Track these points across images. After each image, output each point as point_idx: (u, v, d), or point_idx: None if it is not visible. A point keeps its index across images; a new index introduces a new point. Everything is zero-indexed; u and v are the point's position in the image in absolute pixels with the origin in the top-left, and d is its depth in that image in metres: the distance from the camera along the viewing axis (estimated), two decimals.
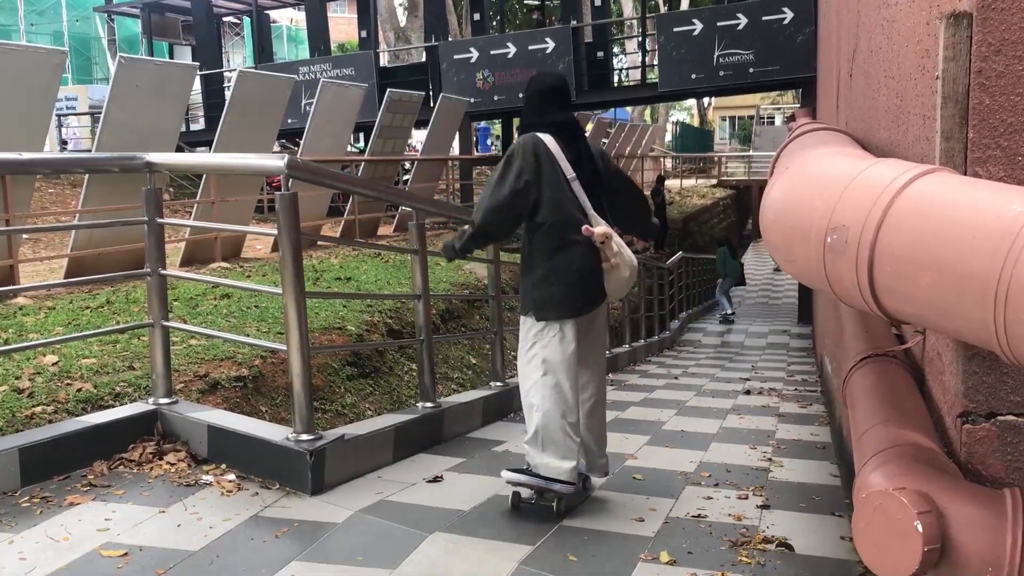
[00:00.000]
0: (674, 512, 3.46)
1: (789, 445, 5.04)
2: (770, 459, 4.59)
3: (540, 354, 3.38)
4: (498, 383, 5.66)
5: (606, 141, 25.39)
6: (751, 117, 54.30)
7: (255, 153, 8.97)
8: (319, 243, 12.16)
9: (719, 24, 14.43)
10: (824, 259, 1.03)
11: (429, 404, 4.56)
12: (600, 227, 3.34)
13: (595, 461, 3.61)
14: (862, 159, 1.11)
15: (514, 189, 3.34)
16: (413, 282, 4.62)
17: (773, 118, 50.78)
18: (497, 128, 32.52)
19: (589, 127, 23.47)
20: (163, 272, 3.95)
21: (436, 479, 3.78)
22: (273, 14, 27.15)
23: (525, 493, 3.41)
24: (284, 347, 3.49)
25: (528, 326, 3.47)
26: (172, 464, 3.62)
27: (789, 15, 14.08)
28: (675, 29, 14.83)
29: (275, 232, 3.44)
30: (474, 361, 8.38)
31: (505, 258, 10.19)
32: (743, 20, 14.34)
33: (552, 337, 3.37)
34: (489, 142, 32.31)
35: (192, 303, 7.01)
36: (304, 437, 3.46)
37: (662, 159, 35.78)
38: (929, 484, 1.02)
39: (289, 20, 34.78)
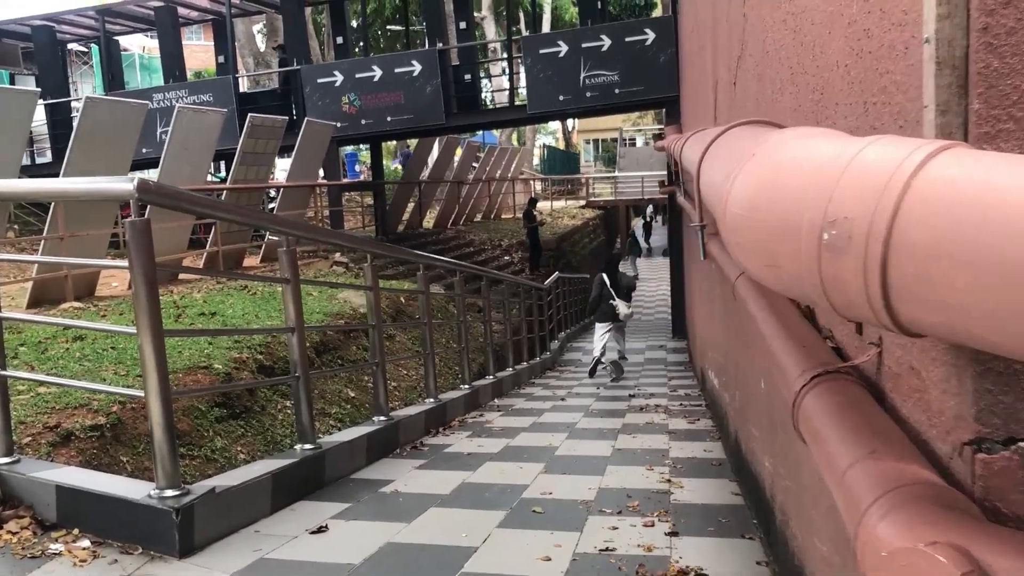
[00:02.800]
0: (580, 547, 3.24)
1: (685, 464, 4.93)
2: (669, 480, 4.45)
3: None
4: (382, 417, 5.34)
5: (475, 164, 25.36)
6: (614, 139, 55.62)
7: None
8: (181, 277, 11.49)
9: (584, 46, 14.57)
10: (819, 260, 0.82)
11: (308, 446, 4.21)
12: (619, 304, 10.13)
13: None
14: (849, 138, 0.92)
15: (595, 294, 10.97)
16: (285, 314, 4.26)
17: (635, 139, 52.14)
18: (365, 154, 32.02)
19: (459, 151, 23.40)
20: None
21: (320, 529, 3.44)
22: (123, 41, 25.88)
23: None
24: (141, 392, 3.09)
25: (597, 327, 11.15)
26: (14, 533, 3.15)
27: (651, 36, 14.37)
28: (541, 51, 14.89)
29: (122, 264, 3.05)
30: (352, 394, 7.99)
31: (384, 284, 9.86)
32: (607, 42, 14.54)
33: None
34: (358, 168, 31.72)
35: (40, 347, 6.38)
36: (169, 493, 3.06)
37: (532, 181, 36.10)
38: (961, 534, 0.83)
39: (141, 48, 33.29)
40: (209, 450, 5.87)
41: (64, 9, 18.60)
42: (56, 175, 13.46)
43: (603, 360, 11.03)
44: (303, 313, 4.32)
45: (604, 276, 11.44)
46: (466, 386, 7.72)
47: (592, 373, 10.97)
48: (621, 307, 11.03)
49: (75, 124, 9.64)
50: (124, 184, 2.94)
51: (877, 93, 1.41)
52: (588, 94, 14.65)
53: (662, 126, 43.09)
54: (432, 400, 6.52)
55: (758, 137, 1.18)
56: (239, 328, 6.66)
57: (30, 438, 4.52)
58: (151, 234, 3.01)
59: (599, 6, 15.64)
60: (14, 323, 7.32)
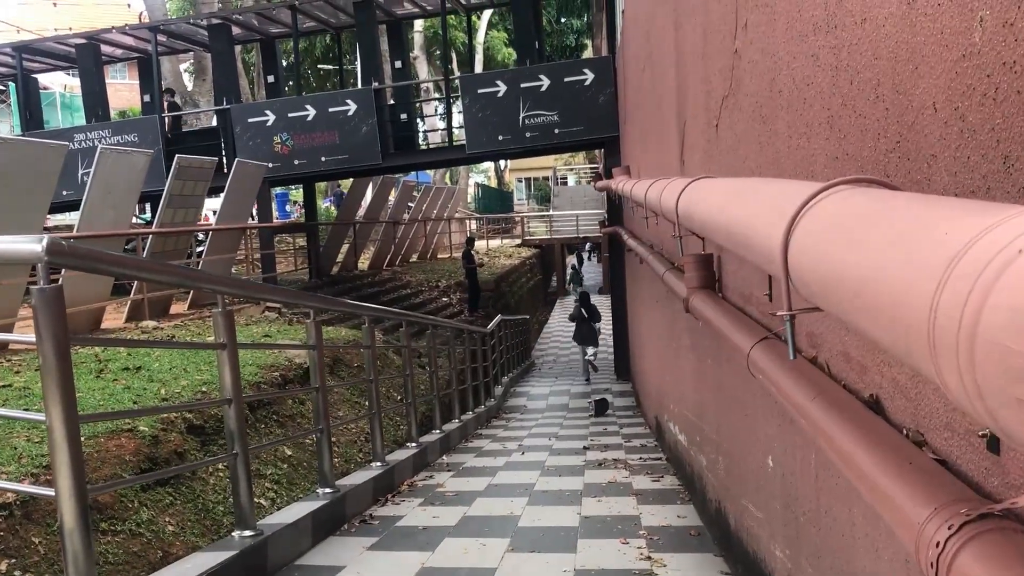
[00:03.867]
0: None
1: (661, 534, 4.55)
2: (649, 557, 4.06)
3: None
4: (327, 489, 4.85)
5: (411, 204, 24.96)
6: (546, 178, 55.93)
7: (25, 233, 7.69)
8: (103, 323, 10.80)
9: (523, 86, 14.39)
10: None
11: (248, 532, 3.71)
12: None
13: None
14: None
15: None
16: (221, 383, 3.78)
17: (566, 179, 52.51)
18: (297, 193, 31.36)
19: (394, 192, 22.98)
20: None
21: None
22: (43, 79, 24.89)
23: None
24: (51, 491, 2.59)
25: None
26: None
27: (590, 76, 14.27)
28: (480, 91, 14.64)
29: (28, 338, 2.56)
30: (289, 453, 7.44)
31: (331, 335, 9.34)
32: (546, 82, 14.39)
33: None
34: (289, 208, 31.02)
35: None
36: None
37: (467, 220, 35.83)
38: None
39: (63, 86, 32.17)
40: (134, 523, 5.28)
41: None
42: None
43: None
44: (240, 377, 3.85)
45: (582, 309, 17.06)
46: (414, 444, 7.26)
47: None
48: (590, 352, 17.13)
49: None
50: (31, 245, 2.46)
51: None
52: (528, 134, 14.43)
53: (595, 165, 43.43)
54: (379, 464, 6.04)
55: (957, 215, 0.82)
56: (168, 406, 6.08)
57: None
58: (64, 303, 2.54)
59: (536, 47, 15.49)
60: None
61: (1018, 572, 0.95)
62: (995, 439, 1.23)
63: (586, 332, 17.09)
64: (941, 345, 0.74)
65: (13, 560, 4.32)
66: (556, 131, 14.36)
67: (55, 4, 33.60)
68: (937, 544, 1.09)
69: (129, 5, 36.91)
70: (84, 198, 10.26)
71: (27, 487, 3.63)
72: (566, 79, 14.38)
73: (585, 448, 8.24)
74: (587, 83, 14.26)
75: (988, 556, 1.01)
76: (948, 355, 0.72)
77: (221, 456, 4.20)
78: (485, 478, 6.56)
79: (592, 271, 39.85)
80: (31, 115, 17.64)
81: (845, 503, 2.05)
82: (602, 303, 19.55)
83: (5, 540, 4.30)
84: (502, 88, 14.54)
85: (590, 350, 17.05)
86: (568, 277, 36.64)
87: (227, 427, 3.78)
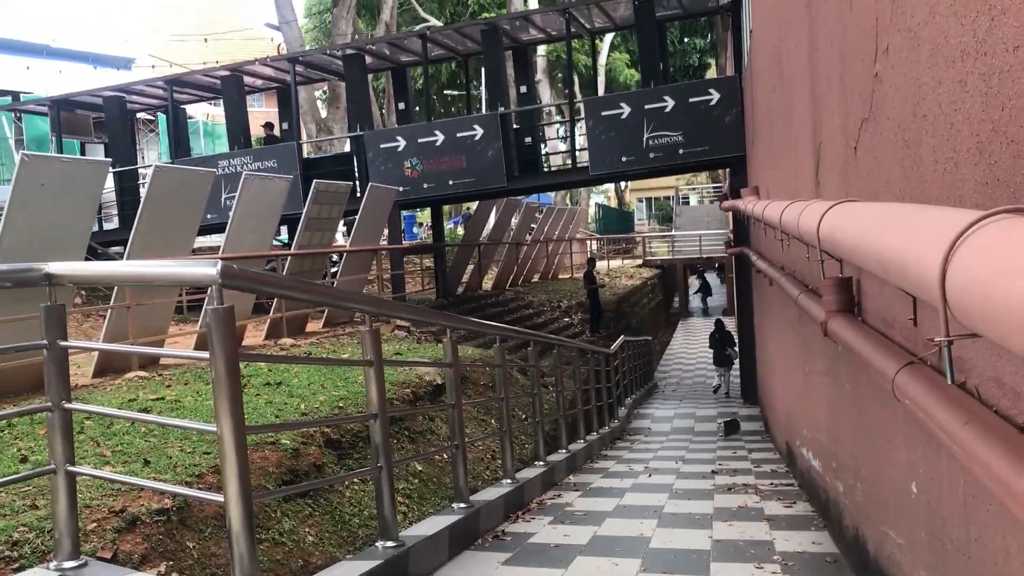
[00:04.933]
0: None
1: (796, 560, 4.49)
2: None
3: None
4: (462, 504, 5.00)
5: (534, 226, 25.24)
6: (667, 198, 55.50)
7: (175, 255, 8.25)
8: (243, 343, 11.37)
9: (647, 107, 14.40)
10: None
11: (390, 543, 3.88)
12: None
13: None
14: None
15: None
16: (367, 398, 3.98)
17: (688, 198, 51.96)
18: (423, 215, 32.18)
19: (517, 214, 23.31)
20: (68, 406, 3.23)
21: None
22: (189, 109, 26.50)
23: None
24: (220, 498, 2.81)
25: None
26: None
27: (716, 96, 14.17)
28: (603, 113, 14.75)
29: (203, 355, 2.79)
30: (420, 468, 7.66)
31: (468, 353, 9.58)
32: (671, 103, 14.36)
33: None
34: (415, 230, 31.85)
35: (106, 422, 6.21)
36: None
37: (588, 241, 35.90)
38: None
39: (205, 115, 34.14)
40: (277, 532, 5.57)
41: (135, 80, 19.05)
42: (123, 241, 13.57)
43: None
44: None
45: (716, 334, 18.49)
46: (541, 463, 7.35)
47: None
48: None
49: (143, 192, 9.66)
50: (207, 269, 2.70)
51: None
52: (652, 155, 14.43)
53: (718, 184, 42.82)
54: (510, 481, 6.16)
55: None
56: (321, 419, 6.40)
57: (95, 524, 4.29)
58: (234, 322, 2.76)
59: (660, 68, 15.48)
60: (81, 394, 7.22)
61: None
62: None
63: (721, 357, 18.45)
64: None
65: (170, 562, 4.62)
66: (680, 151, 14.30)
67: (205, 40, 35.73)
68: None
69: (272, 39, 38.91)
70: (229, 222, 10.87)
71: (198, 492, 3.92)
72: (691, 99, 14.32)
73: (714, 472, 8.14)
74: (712, 103, 14.17)
75: None
76: None
77: (367, 469, 4.39)
78: (613, 499, 6.59)
79: (714, 292, 39.31)
80: (179, 143, 18.79)
81: (998, 531, 2.02)
82: (727, 325, 19.31)
83: (164, 543, 4.61)
84: (626, 110, 14.60)
85: (719, 377, 18.71)
86: (698, 286, 36.98)
87: (372, 441, 3.97)
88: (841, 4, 3.86)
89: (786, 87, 6.68)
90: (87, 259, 11.25)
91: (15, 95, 23.88)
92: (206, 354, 2.75)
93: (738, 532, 5.24)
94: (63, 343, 3.19)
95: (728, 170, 16.52)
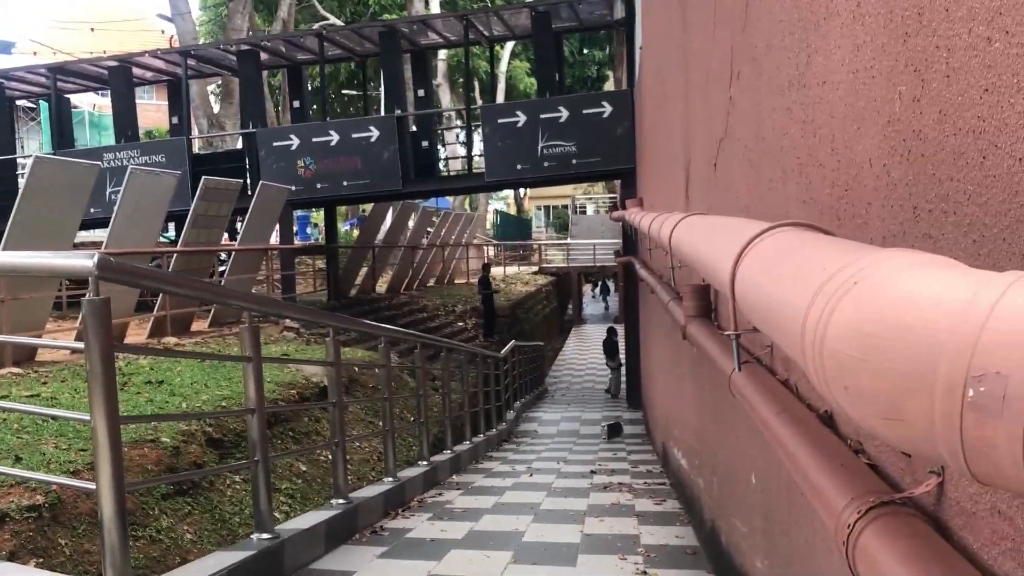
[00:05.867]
0: None
1: (658, 552, 4.75)
2: (645, 572, 4.27)
3: None
4: (340, 500, 5.09)
5: (430, 230, 25.31)
6: (565, 206, 56.36)
7: (56, 249, 8.02)
8: (125, 341, 11.09)
9: (542, 117, 14.70)
10: (961, 420, 0.69)
11: (265, 535, 3.95)
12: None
13: None
14: (975, 272, 0.80)
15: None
16: (246, 393, 4.04)
17: (585, 207, 52.85)
18: (318, 216, 31.82)
19: (414, 217, 23.34)
20: None
21: None
22: (74, 98, 25.53)
23: None
24: (92, 485, 2.84)
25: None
26: None
27: (608, 109, 14.57)
28: (500, 120, 14.98)
29: (77, 345, 2.83)
30: (304, 468, 7.69)
31: (348, 355, 9.59)
32: (565, 113, 14.69)
33: None
34: (310, 231, 31.46)
35: None
36: None
37: (485, 247, 36.16)
38: None
39: (92, 105, 32.91)
40: (154, 530, 5.53)
41: (15, 66, 18.27)
42: None
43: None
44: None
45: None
46: (424, 462, 7.48)
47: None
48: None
49: (22, 183, 9.34)
50: (84, 261, 2.74)
51: (934, 200, 1.31)
52: (546, 163, 14.73)
53: (613, 195, 43.79)
54: (391, 479, 6.27)
55: (836, 254, 1.06)
56: (199, 413, 6.36)
57: None
58: (110, 314, 2.81)
59: (556, 78, 15.83)
60: None
61: (905, 543, 1.18)
62: None
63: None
64: (807, 350, 0.98)
65: (41, 560, 4.56)
66: (574, 161, 14.65)
67: (92, 29, 34.45)
68: (848, 525, 1.32)
69: (164, 31, 37.79)
70: (113, 216, 10.61)
71: (70, 480, 3.89)
72: (585, 111, 14.69)
73: (592, 472, 8.43)
74: (605, 116, 14.57)
75: (884, 532, 1.23)
76: (810, 357, 0.96)
77: (244, 462, 4.44)
78: (493, 497, 6.77)
79: (598, 304, 40.47)
80: (62, 134, 18.12)
81: (808, 512, 2.27)
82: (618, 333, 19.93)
83: (35, 540, 4.54)
84: (522, 118, 14.86)
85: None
86: (599, 288, 38.23)
87: (250, 436, 4.03)
88: (707, 29, 4.14)
89: (667, 104, 7.02)
90: None
91: None
92: (80, 344, 2.79)
93: (608, 527, 5.49)
94: None
95: (620, 182, 17.00)
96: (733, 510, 3.71)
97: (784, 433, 1.94)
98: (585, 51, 40.31)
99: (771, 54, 2.58)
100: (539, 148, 14.72)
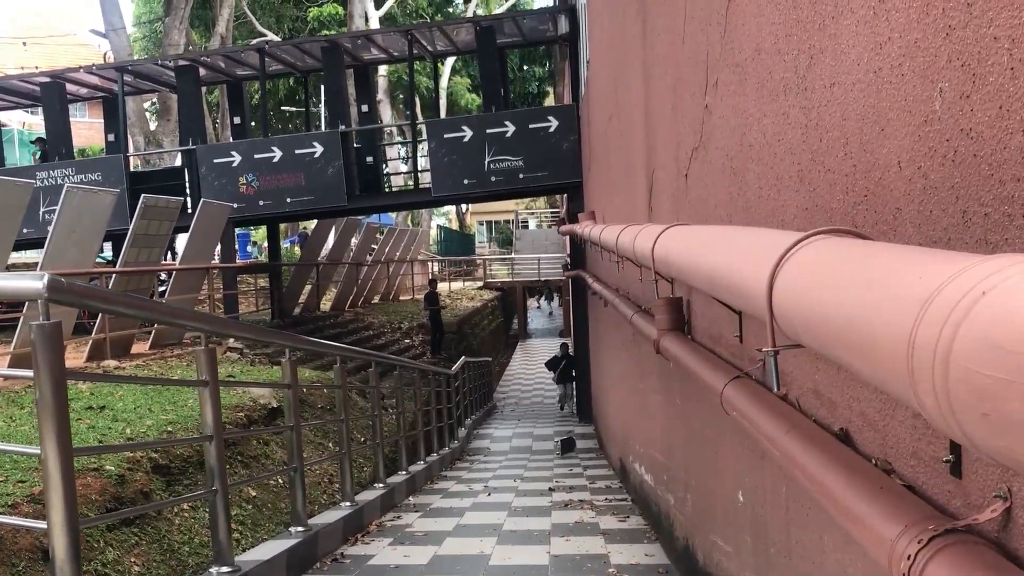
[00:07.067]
0: None
1: (631, 572, 4.65)
2: None
3: None
4: (300, 528, 4.89)
5: (375, 246, 25.02)
6: (507, 221, 56.45)
7: None
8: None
9: (488, 131, 14.64)
10: None
11: (225, 568, 3.75)
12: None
13: None
14: None
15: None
16: (202, 419, 3.84)
17: (527, 222, 53.02)
18: (258, 234, 31.28)
19: (357, 234, 23.05)
20: None
21: None
22: (3, 116, 24.71)
23: None
24: (43, 524, 2.63)
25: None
26: None
27: (555, 123, 14.57)
28: (446, 135, 14.87)
29: (26, 373, 2.62)
30: (254, 493, 7.41)
31: (305, 375, 9.33)
32: (511, 128, 14.65)
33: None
34: (249, 249, 30.88)
35: None
36: None
37: (429, 263, 35.94)
38: None
39: (21, 123, 31.93)
40: (100, 563, 5.24)
41: None
42: None
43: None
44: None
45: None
46: (381, 485, 7.28)
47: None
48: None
49: None
50: (32, 282, 2.54)
51: (992, 203, 1.23)
52: (493, 178, 14.66)
53: (555, 209, 43.96)
54: (349, 503, 6.07)
55: (925, 261, 0.96)
56: (153, 441, 6.09)
57: None
58: (62, 339, 2.61)
59: (502, 94, 15.79)
60: None
61: None
62: (957, 464, 1.37)
63: (565, 374, 19.28)
64: (919, 371, 0.87)
65: None
66: (521, 176, 14.60)
67: (24, 44, 33.45)
68: (908, 557, 1.22)
69: (98, 46, 36.87)
70: (49, 236, 10.21)
71: (17, 520, 3.63)
72: (531, 125, 14.67)
73: (551, 489, 8.31)
74: (551, 130, 14.56)
75: (954, 564, 1.14)
76: (924, 380, 0.86)
77: (201, 492, 4.22)
78: (453, 518, 6.61)
79: (542, 317, 40.61)
80: None
81: (816, 531, 2.19)
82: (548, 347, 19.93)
83: None
84: (468, 133, 14.78)
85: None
86: (544, 297, 38.33)
87: (207, 464, 3.83)
88: (674, 39, 4.09)
89: (623, 116, 6.97)
90: None
91: None
92: (29, 372, 2.59)
93: (575, 547, 5.38)
94: None
95: (566, 195, 16.99)
96: (714, 528, 3.62)
97: (798, 452, 1.85)
98: (526, 67, 40.46)
99: (761, 59, 2.51)
100: (486, 163, 14.64)
